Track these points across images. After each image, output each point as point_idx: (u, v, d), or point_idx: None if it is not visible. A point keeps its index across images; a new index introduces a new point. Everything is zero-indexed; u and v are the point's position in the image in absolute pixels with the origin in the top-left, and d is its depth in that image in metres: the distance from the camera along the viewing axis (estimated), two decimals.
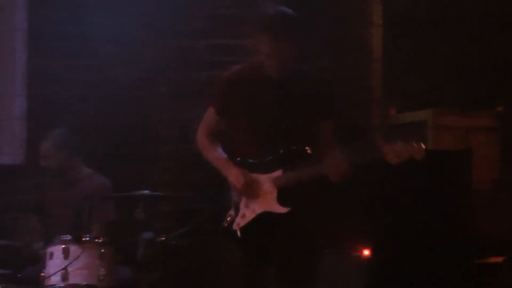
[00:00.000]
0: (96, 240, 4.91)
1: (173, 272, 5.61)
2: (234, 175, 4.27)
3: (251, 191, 4.26)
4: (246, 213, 4.29)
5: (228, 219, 4.33)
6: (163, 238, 5.10)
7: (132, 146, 6.24)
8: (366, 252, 5.37)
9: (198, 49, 6.44)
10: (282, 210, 4.20)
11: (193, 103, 6.33)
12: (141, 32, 6.27)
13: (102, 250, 4.87)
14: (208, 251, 5.99)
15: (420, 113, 6.38)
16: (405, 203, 5.38)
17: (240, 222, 4.29)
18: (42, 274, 4.86)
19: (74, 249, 4.83)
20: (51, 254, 4.86)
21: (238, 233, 4.28)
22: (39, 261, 4.97)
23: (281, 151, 4.22)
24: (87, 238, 4.90)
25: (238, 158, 4.34)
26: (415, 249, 5.31)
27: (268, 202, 4.24)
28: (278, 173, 4.24)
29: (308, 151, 4.22)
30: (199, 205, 5.86)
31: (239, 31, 6.40)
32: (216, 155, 4.43)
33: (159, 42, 6.32)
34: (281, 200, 4.21)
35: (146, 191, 5.20)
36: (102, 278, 4.83)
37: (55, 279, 4.80)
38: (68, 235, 4.90)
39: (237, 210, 4.32)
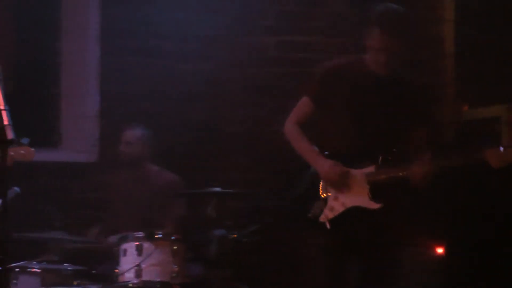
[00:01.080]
0: (169, 237, 4.95)
1: (244, 269, 5.60)
2: (327, 167, 4.28)
3: (343, 184, 4.28)
4: (335, 206, 4.30)
5: (315, 211, 4.33)
6: (235, 235, 5.12)
7: (203, 143, 6.26)
8: (440, 251, 5.32)
9: (268, 46, 6.42)
10: (374, 206, 4.23)
11: (263, 100, 6.33)
12: (212, 29, 6.28)
13: (175, 247, 4.90)
14: (279, 248, 5.98)
15: (494, 109, 6.26)
16: (481, 203, 5.30)
17: (328, 214, 4.31)
18: (116, 270, 4.92)
19: (147, 246, 4.88)
20: (125, 251, 4.91)
21: (328, 225, 4.28)
22: (113, 258, 5.04)
23: (376, 149, 4.24)
24: (160, 235, 4.95)
25: (327, 152, 4.35)
26: (490, 249, 5.23)
27: (360, 197, 4.27)
28: (371, 169, 4.25)
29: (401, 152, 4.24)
30: (270, 202, 5.86)
31: (307, 27, 6.38)
32: (306, 146, 4.43)
33: (230, 39, 6.33)
34: (373, 196, 4.22)
35: (217, 188, 5.23)
36: (174, 275, 4.87)
37: (129, 276, 4.86)
38: (141, 232, 4.95)
39: (325, 203, 4.32)
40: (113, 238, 5.32)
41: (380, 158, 4.25)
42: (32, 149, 4.42)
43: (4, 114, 3.08)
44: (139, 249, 4.87)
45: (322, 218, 4.32)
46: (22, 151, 4.21)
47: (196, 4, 6.29)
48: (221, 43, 6.31)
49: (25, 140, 4.34)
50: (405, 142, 4.33)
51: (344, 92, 4.35)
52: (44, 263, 5.05)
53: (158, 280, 4.85)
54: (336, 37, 6.26)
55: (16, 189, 4.54)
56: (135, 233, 4.96)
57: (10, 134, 3.05)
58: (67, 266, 5.07)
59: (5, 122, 3.07)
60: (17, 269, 4.88)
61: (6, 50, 6.08)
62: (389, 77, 4.30)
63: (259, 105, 6.35)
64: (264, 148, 6.13)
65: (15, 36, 6.27)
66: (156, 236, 4.92)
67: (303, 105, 4.49)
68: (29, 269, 4.94)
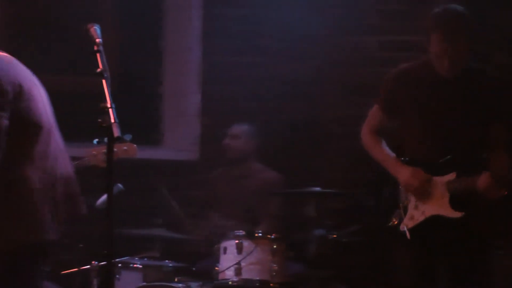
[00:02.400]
0: (269, 235, 4.96)
1: (344, 269, 5.57)
2: (408, 175, 4.19)
3: (424, 192, 4.17)
4: (414, 214, 4.20)
5: (395, 219, 4.25)
6: (335, 236, 5.09)
7: (304, 143, 6.24)
8: None
9: (370, 45, 6.36)
10: (455, 214, 4.08)
11: (364, 100, 6.26)
12: (314, 29, 6.26)
13: (275, 246, 4.90)
14: (379, 248, 5.91)
15: None
16: None
17: (408, 223, 4.22)
18: (216, 268, 4.95)
19: (247, 244, 4.90)
20: (225, 249, 4.94)
21: (408, 234, 4.19)
22: (213, 255, 5.08)
23: (454, 154, 4.12)
24: (260, 234, 4.96)
25: (404, 158, 4.27)
26: None
27: (440, 206, 4.13)
28: (451, 176, 4.13)
29: (481, 156, 4.12)
30: (370, 203, 5.80)
31: (411, 27, 6.28)
32: (384, 154, 4.36)
33: (332, 39, 6.29)
34: (454, 204, 4.10)
35: (317, 188, 5.20)
36: (274, 273, 4.86)
37: (229, 274, 4.89)
38: (241, 230, 4.98)
39: (405, 211, 4.24)
40: (213, 236, 5.36)
41: (460, 164, 4.11)
42: (135, 145, 4.49)
43: (111, 112, 3.12)
44: (239, 247, 4.89)
45: (402, 227, 4.23)
46: (125, 148, 4.26)
47: (299, 4, 6.28)
48: (324, 43, 6.28)
49: (127, 137, 4.40)
50: (482, 142, 4.17)
51: (415, 98, 4.24)
52: (145, 259, 5.13)
53: (257, 278, 4.86)
54: None
55: (120, 185, 4.62)
56: (236, 231, 4.99)
57: (116, 132, 3.09)
58: (168, 262, 5.14)
59: (112, 120, 3.11)
60: (120, 265, 4.97)
61: (111, 50, 6.20)
62: (458, 78, 4.15)
63: (360, 105, 6.28)
64: (363, 149, 6.06)
65: (120, 36, 6.38)
66: (256, 235, 4.94)
67: (374, 113, 4.44)
68: (131, 265, 5.04)
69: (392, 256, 4.50)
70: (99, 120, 3.14)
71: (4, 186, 3.25)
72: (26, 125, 3.28)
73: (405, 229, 4.20)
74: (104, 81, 3.23)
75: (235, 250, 4.89)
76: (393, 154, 4.34)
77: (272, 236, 4.95)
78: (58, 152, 3.40)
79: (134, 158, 4.52)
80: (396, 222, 4.25)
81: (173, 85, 6.47)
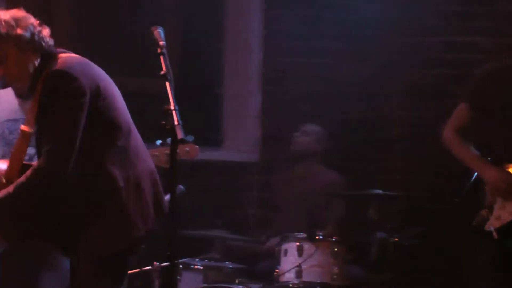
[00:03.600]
0: (330, 238, 4.94)
1: (406, 273, 5.52)
2: (495, 175, 4.17)
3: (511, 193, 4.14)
4: (502, 215, 4.17)
5: (479, 219, 4.21)
6: (396, 239, 5.04)
7: (366, 145, 6.21)
8: None
9: (431, 46, 6.30)
10: None
11: (425, 102, 6.21)
12: (374, 29, 6.22)
13: (336, 249, 4.89)
14: (442, 252, 5.85)
15: None
16: None
17: (494, 223, 4.18)
18: (276, 270, 4.95)
19: (308, 247, 4.89)
20: (286, 251, 4.94)
21: (495, 234, 4.16)
22: (273, 257, 5.07)
23: None
24: (321, 236, 4.94)
25: (489, 158, 4.22)
26: None
27: None
28: None
29: None
30: (433, 206, 5.75)
31: (472, 27, 6.20)
32: (469, 153, 4.32)
33: (392, 40, 6.24)
34: None
35: (378, 191, 5.17)
36: (335, 276, 4.85)
37: (289, 276, 4.88)
38: (302, 233, 4.96)
39: (490, 211, 4.20)
40: (273, 237, 5.36)
41: None
42: (196, 146, 4.50)
43: (174, 114, 3.14)
44: (300, 250, 4.88)
45: (487, 227, 4.18)
46: (187, 149, 4.28)
47: (359, 5, 6.25)
48: (386, 44, 6.24)
49: (189, 138, 4.43)
50: None
51: (506, 97, 4.20)
52: (206, 260, 5.15)
53: (318, 281, 4.85)
54: (503, 38, 6.04)
55: (181, 187, 4.64)
56: (296, 233, 4.98)
57: (180, 134, 3.11)
58: (228, 264, 5.15)
59: (175, 122, 3.13)
60: (181, 266, 5.00)
61: (172, 51, 6.24)
62: None
63: (421, 107, 6.24)
64: (426, 151, 6.00)
65: (181, 39, 6.42)
66: (317, 237, 4.92)
67: (461, 112, 4.37)
68: (192, 266, 5.05)
69: (470, 257, 4.46)
70: (163, 122, 3.17)
71: (88, 186, 3.28)
72: (106, 124, 3.30)
73: (492, 229, 4.17)
74: (167, 84, 3.26)
75: (295, 252, 4.88)
76: (478, 154, 4.31)
77: (333, 239, 4.93)
78: (139, 150, 3.42)
79: (195, 159, 4.55)
80: (480, 220, 4.20)
81: (234, 86, 6.49)
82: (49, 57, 3.37)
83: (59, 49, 3.44)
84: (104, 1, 6.28)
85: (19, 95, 4.91)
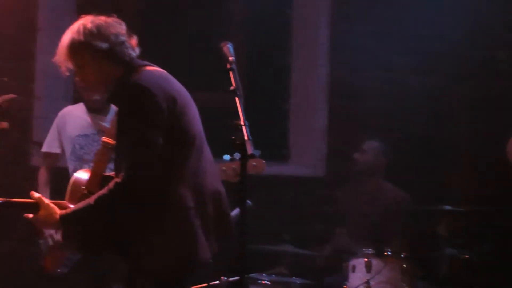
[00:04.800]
0: (398, 254, 4.88)
1: None
2: None
3: None
4: None
5: None
6: (466, 256, 4.96)
7: (434, 159, 6.13)
8: None
9: (500, 59, 6.22)
10: None
11: (493, 115, 6.12)
12: (441, 43, 6.17)
13: (404, 265, 4.83)
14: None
15: None
16: None
17: None
18: (344, 286, 4.91)
19: (376, 263, 4.84)
20: (354, 267, 4.91)
21: None
22: (341, 273, 5.04)
23: None
24: (389, 253, 4.89)
25: None
26: None
27: None
28: None
29: None
30: (503, 222, 5.64)
31: None
32: None
33: (460, 53, 6.17)
34: None
35: (448, 207, 5.10)
36: None
37: None
38: (370, 249, 4.92)
39: None
40: (339, 252, 5.33)
41: None
42: (263, 161, 4.50)
43: (244, 129, 3.14)
44: (368, 266, 4.84)
45: None
46: (254, 163, 4.28)
47: (427, 19, 6.20)
48: (453, 57, 6.17)
49: (256, 152, 4.44)
50: None
51: None
52: (273, 275, 5.13)
53: None
54: None
55: (248, 201, 4.64)
56: (365, 249, 4.93)
57: (250, 149, 3.11)
58: (295, 279, 5.12)
59: (245, 137, 3.13)
60: (248, 281, 4.98)
61: (240, 67, 6.26)
62: None
63: (488, 120, 6.15)
64: (496, 165, 5.90)
65: (248, 53, 6.45)
66: (385, 253, 4.87)
67: None
68: (259, 281, 5.04)
69: None
70: (233, 137, 3.17)
71: (159, 205, 3.26)
72: (179, 142, 3.29)
73: None
74: (237, 99, 3.25)
75: (364, 269, 4.84)
76: None
77: (402, 255, 4.88)
78: (208, 168, 3.40)
79: (262, 174, 4.54)
80: None
81: (300, 101, 6.48)
82: (131, 69, 3.36)
83: (142, 62, 3.42)
84: (174, 17, 6.35)
85: (91, 109, 5.00)
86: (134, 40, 3.42)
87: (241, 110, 3.20)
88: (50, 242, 4.83)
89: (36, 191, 4.99)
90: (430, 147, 6.16)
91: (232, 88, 3.28)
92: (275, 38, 6.55)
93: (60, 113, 5.14)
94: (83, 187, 3.47)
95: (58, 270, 4.77)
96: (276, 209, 5.99)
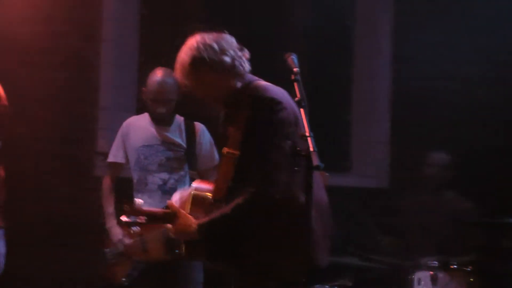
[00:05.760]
0: (465, 268, 4.81)
1: None
2: None
3: None
4: None
5: None
6: None
7: (501, 171, 6.03)
8: None
9: None
10: None
11: None
12: (507, 54, 6.08)
13: (471, 279, 4.76)
14: None
15: None
16: None
17: None
18: None
19: (442, 276, 4.78)
20: (419, 280, 4.85)
21: None
22: (406, 285, 4.98)
23: None
24: (455, 266, 4.82)
25: None
26: None
27: None
28: None
29: None
30: None
31: None
32: None
33: None
34: None
35: None
36: None
37: None
38: (435, 262, 4.85)
39: None
40: (403, 264, 5.28)
41: None
42: (327, 174, 4.47)
43: (309, 140, 3.13)
44: (434, 279, 4.78)
45: None
46: None
47: (493, 29, 6.12)
48: None
49: (321, 165, 4.42)
50: None
51: None
52: (336, 287, 5.10)
53: None
54: None
55: None
56: (430, 262, 4.87)
57: (315, 160, 3.09)
58: None
59: (311, 148, 3.11)
60: None
61: (301, 77, 6.26)
62: None
63: None
64: None
65: (310, 64, 6.44)
66: (451, 267, 4.80)
67: None
68: None
69: None
70: (298, 148, 3.16)
71: (284, 213, 3.31)
72: (296, 153, 3.27)
73: None
74: (302, 110, 3.24)
75: (429, 282, 4.79)
76: None
77: (468, 269, 4.80)
78: (316, 179, 3.41)
79: (325, 186, 4.52)
80: None
81: (363, 112, 6.44)
82: (248, 82, 3.45)
83: (255, 76, 3.51)
84: (236, 28, 6.37)
85: (156, 120, 5.04)
86: (246, 55, 3.51)
87: (306, 121, 3.19)
88: (116, 251, 4.88)
89: (101, 201, 5.09)
90: (496, 158, 6.06)
91: (296, 99, 3.27)
92: (337, 49, 6.52)
93: (125, 124, 5.19)
94: (210, 197, 3.53)
95: (123, 279, 4.82)
96: (339, 221, 5.94)
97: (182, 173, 5.00)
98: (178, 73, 3.47)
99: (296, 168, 3.23)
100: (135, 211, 3.60)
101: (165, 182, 4.96)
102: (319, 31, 6.47)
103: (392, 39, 6.31)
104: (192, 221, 3.44)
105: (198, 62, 3.41)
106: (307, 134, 3.14)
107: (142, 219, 3.60)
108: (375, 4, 6.41)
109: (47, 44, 6.19)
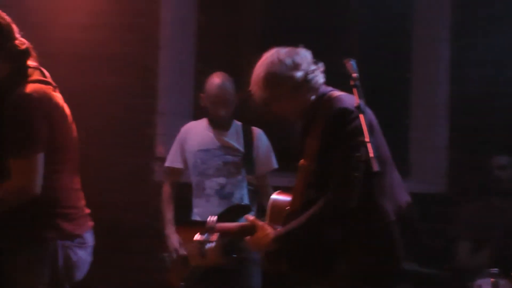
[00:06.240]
0: None
1: None
2: None
3: None
4: None
5: None
6: None
7: None
8: None
9: None
10: None
11: None
12: None
13: None
14: None
15: None
16: None
17: None
18: None
19: (503, 283, 4.71)
20: (480, 287, 4.79)
21: None
22: None
23: None
24: None
25: None
26: None
27: None
28: None
29: None
30: None
31: None
32: None
33: None
34: None
35: None
36: None
37: None
38: (496, 268, 4.79)
39: None
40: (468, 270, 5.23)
41: None
42: None
43: (369, 146, 3.12)
44: (494, 286, 4.71)
45: None
46: None
47: None
48: None
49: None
50: None
51: None
52: None
53: None
54: None
55: None
56: (491, 268, 4.81)
57: (375, 166, 3.08)
58: None
59: (371, 154, 3.10)
60: None
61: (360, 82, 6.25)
62: None
63: None
64: None
65: (367, 69, 6.41)
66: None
67: None
68: None
69: None
70: (358, 154, 3.15)
71: (363, 220, 3.35)
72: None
73: None
74: (361, 116, 3.24)
75: None
76: None
77: None
78: (398, 184, 3.51)
79: None
80: None
81: (421, 116, 6.39)
82: (323, 95, 3.52)
83: (329, 87, 3.58)
84: (294, 35, 6.38)
85: (214, 124, 5.08)
86: (321, 68, 3.59)
87: (366, 127, 3.19)
88: (174, 256, 4.92)
89: (160, 206, 5.14)
90: None
91: (356, 104, 3.27)
92: (395, 54, 6.48)
93: (183, 129, 5.24)
94: (287, 208, 3.59)
95: (182, 283, 4.86)
96: (398, 226, 5.91)
97: (239, 177, 5.02)
98: (253, 88, 3.56)
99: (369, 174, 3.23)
100: (209, 230, 3.66)
101: (222, 187, 4.99)
102: (377, 35, 6.44)
103: (452, 44, 6.25)
104: (269, 232, 3.53)
105: (270, 77, 3.50)
106: (367, 139, 3.14)
107: (215, 236, 3.66)
108: (433, 8, 6.35)
109: (106, 51, 6.28)
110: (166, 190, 5.18)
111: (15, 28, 3.59)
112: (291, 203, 3.58)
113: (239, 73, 5.23)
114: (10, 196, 3.48)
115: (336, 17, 6.56)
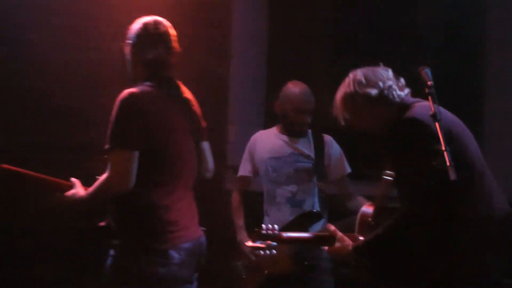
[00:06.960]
0: None
1: None
2: None
3: None
4: None
5: None
6: None
7: None
8: None
9: None
10: None
11: None
12: None
13: None
14: None
15: None
16: None
17: None
18: None
19: None
20: None
21: None
22: None
23: None
24: None
25: None
26: None
27: None
28: None
29: None
30: None
31: None
32: None
33: None
34: None
35: None
36: None
37: None
38: None
39: None
40: None
41: None
42: None
43: (446, 155, 3.09)
44: None
45: None
46: None
47: None
48: None
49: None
50: None
51: None
52: None
53: None
54: None
55: None
56: None
57: (452, 175, 3.04)
58: None
59: (447, 163, 3.08)
60: None
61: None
62: None
63: None
64: None
65: (442, 77, 6.37)
66: None
67: None
68: None
69: None
70: (434, 162, 3.12)
71: (446, 228, 3.34)
72: (459, 166, 3.27)
73: None
74: (437, 124, 3.22)
75: None
76: None
77: None
78: (493, 192, 3.51)
79: None
80: None
81: (495, 125, 6.31)
82: (403, 107, 3.57)
83: (414, 99, 3.63)
84: (365, 43, 6.37)
85: (288, 132, 5.09)
86: (401, 82, 3.68)
87: (442, 135, 3.17)
88: (247, 264, 4.94)
89: (230, 214, 5.17)
90: None
91: (431, 113, 3.26)
92: (469, 62, 6.42)
93: (253, 138, 5.26)
94: (370, 219, 3.71)
95: None
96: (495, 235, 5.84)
97: (310, 184, 5.02)
98: (335, 111, 3.72)
99: (464, 181, 3.23)
100: (262, 237, 3.72)
101: (293, 195, 4.98)
102: (451, 45, 6.39)
103: None
104: (349, 243, 3.61)
105: (348, 96, 3.65)
106: (443, 148, 3.12)
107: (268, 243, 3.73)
108: (506, 18, 6.28)
109: (180, 61, 6.34)
110: (236, 197, 5.22)
111: None
112: (374, 214, 3.67)
113: (310, 81, 5.24)
114: (102, 188, 3.80)
115: (411, 27, 6.53)
